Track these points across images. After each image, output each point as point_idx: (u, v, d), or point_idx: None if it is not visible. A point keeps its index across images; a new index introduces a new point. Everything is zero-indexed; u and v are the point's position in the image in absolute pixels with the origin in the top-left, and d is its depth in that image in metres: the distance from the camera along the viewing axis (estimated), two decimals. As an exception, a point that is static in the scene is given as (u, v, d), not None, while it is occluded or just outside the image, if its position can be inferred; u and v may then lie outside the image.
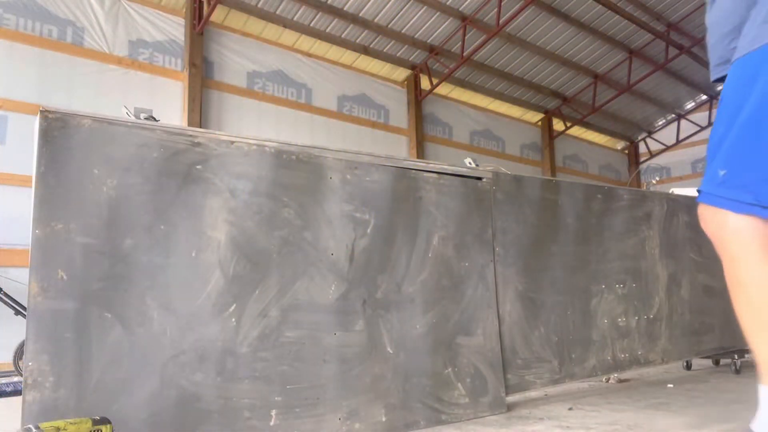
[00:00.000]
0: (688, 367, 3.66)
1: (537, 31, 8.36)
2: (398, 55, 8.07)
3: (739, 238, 1.17)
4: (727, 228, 1.19)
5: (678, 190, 3.97)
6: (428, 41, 8.00)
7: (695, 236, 3.26)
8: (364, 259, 2.08)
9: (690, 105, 11.80)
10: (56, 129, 1.58)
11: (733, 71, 1.24)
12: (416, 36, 7.85)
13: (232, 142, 1.87)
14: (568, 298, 2.73)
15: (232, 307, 1.78)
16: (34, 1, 5.36)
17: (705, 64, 8.58)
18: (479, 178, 2.48)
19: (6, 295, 4.13)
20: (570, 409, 2.31)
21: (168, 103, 6.03)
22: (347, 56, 7.71)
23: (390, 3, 7.13)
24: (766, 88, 1.15)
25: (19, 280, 4.26)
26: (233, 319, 1.77)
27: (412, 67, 8.31)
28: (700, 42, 8.70)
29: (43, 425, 1.26)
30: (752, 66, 1.19)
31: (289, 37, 7.12)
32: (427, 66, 8.24)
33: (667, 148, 12.07)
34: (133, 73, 5.86)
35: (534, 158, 10.41)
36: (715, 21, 1.32)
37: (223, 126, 6.42)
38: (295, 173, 1.97)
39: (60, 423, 1.30)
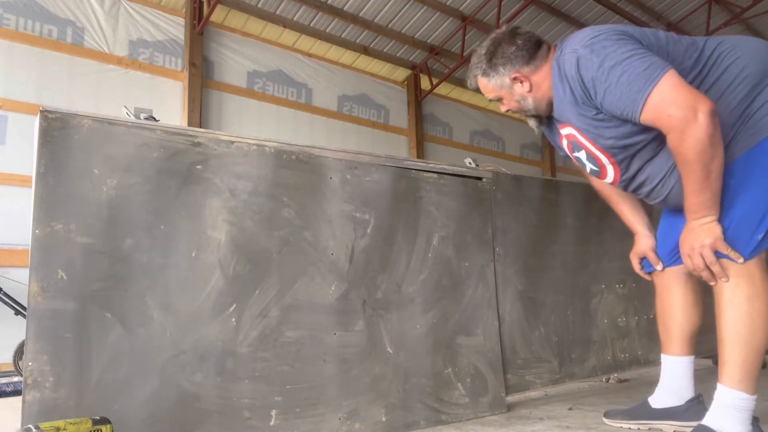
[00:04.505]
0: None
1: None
2: (398, 55, 8.06)
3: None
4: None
5: None
6: (428, 41, 7.99)
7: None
8: (364, 259, 2.08)
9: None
10: (56, 129, 1.58)
11: None
12: (416, 36, 7.84)
13: (232, 142, 1.87)
14: (568, 298, 2.73)
15: (232, 307, 1.78)
16: (34, 1, 5.36)
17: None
18: (479, 178, 2.48)
19: (6, 295, 4.13)
20: (570, 409, 2.31)
21: (168, 103, 6.02)
22: (347, 56, 7.70)
23: (390, 3, 7.12)
24: None
25: (19, 280, 4.26)
26: (233, 319, 1.77)
27: (412, 67, 8.30)
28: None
29: (43, 425, 1.26)
30: None
31: (289, 37, 7.12)
32: (427, 66, 8.24)
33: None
34: (133, 73, 5.85)
35: (534, 158, 10.39)
36: None
37: (223, 126, 6.42)
38: (295, 173, 1.97)
39: (60, 423, 1.30)
